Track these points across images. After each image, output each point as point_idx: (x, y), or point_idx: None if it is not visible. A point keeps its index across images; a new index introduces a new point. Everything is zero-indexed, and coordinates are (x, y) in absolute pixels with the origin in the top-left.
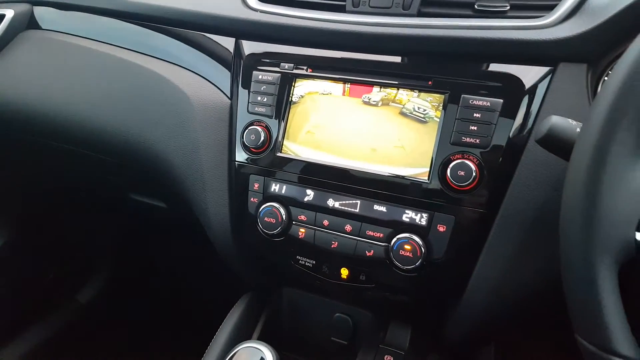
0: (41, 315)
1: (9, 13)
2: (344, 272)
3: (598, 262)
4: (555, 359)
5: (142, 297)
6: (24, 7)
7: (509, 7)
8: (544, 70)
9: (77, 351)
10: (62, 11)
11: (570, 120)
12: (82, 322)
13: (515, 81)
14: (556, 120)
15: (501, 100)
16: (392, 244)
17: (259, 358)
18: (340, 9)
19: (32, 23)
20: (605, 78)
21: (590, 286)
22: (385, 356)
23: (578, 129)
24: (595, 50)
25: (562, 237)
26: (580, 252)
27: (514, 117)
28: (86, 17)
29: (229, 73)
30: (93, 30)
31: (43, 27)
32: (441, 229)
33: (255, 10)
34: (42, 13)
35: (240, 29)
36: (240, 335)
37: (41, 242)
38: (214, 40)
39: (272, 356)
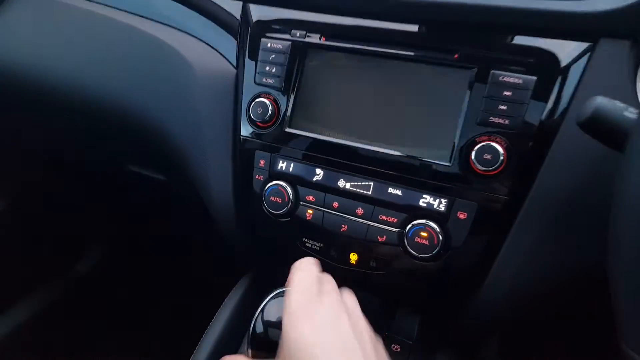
0: (34, 288)
1: None
2: (353, 257)
3: None
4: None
5: (139, 274)
6: None
7: None
8: (582, 46)
9: (69, 327)
10: None
11: (617, 102)
12: (75, 297)
13: (551, 57)
14: (602, 102)
15: (534, 78)
16: (406, 230)
17: None
18: None
19: None
20: None
21: None
22: (393, 345)
23: (627, 113)
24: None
25: (615, 238)
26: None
27: (547, 97)
28: None
29: (235, 40)
30: None
31: None
32: (462, 216)
33: None
34: None
35: None
36: (244, 312)
37: (35, 215)
38: (219, 5)
39: None
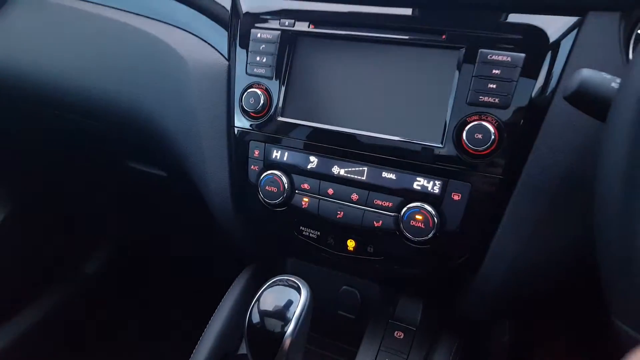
0: (43, 289)
1: None
2: (351, 244)
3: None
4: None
5: (144, 272)
6: None
7: None
8: (571, 20)
9: (77, 327)
10: None
11: (604, 73)
12: (83, 297)
13: (539, 33)
14: (588, 74)
15: (523, 55)
16: (402, 213)
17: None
18: None
19: None
20: (639, 30)
21: (632, 265)
22: (396, 332)
23: (614, 84)
24: None
25: (599, 207)
26: (622, 225)
27: (537, 74)
28: None
29: (226, 32)
30: None
31: None
32: (456, 197)
33: None
34: None
35: None
36: (244, 306)
37: (41, 215)
38: None
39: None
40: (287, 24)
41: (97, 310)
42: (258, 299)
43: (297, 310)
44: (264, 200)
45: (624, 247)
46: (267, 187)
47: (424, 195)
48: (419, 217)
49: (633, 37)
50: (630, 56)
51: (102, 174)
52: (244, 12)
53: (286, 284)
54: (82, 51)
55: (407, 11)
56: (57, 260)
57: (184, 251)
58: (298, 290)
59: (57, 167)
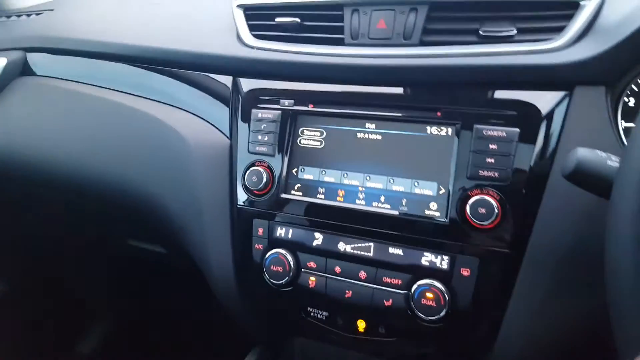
0: None
1: (2, 62)
2: (361, 325)
3: None
4: None
5: (142, 350)
6: (17, 54)
7: (515, 32)
8: (559, 95)
9: None
10: (56, 56)
11: (598, 151)
12: None
13: (531, 108)
14: (584, 154)
15: (518, 130)
16: (412, 291)
17: None
18: (339, 42)
19: (26, 70)
20: (625, 99)
21: None
22: None
23: (609, 162)
24: (613, 71)
25: (611, 289)
26: (634, 300)
27: (533, 147)
28: (80, 61)
29: (228, 112)
30: (87, 74)
31: (37, 74)
32: (465, 272)
33: (252, 47)
34: (35, 59)
35: (237, 67)
36: None
37: (39, 292)
38: (211, 79)
39: None
40: (287, 103)
41: None
42: None
43: None
44: (270, 281)
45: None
46: (272, 267)
47: (433, 271)
48: (429, 294)
49: (620, 108)
50: (620, 127)
51: (100, 252)
52: (245, 92)
53: None
54: (80, 134)
55: (403, 91)
56: (50, 339)
57: (185, 330)
58: None
59: (54, 248)
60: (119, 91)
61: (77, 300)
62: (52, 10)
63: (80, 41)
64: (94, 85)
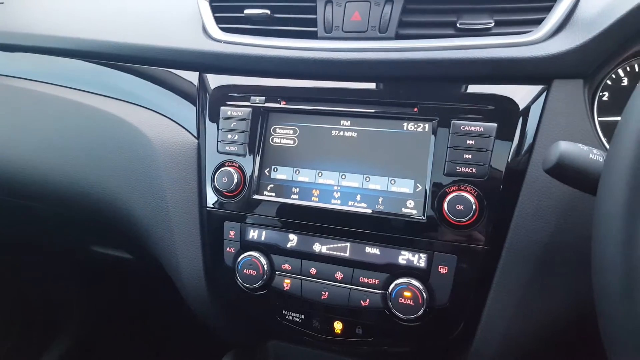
0: None
1: None
2: (338, 326)
3: None
4: None
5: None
6: None
7: (493, 24)
8: (537, 88)
9: None
10: (7, 53)
11: (580, 145)
12: None
13: (508, 102)
14: (566, 147)
15: (495, 124)
16: (389, 290)
17: None
18: (312, 35)
19: None
20: (601, 93)
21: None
22: None
23: (591, 155)
24: (590, 64)
25: (598, 284)
26: (622, 303)
27: (510, 142)
28: (35, 58)
29: (194, 110)
30: (42, 72)
31: None
32: (443, 270)
33: (219, 41)
34: None
35: (203, 62)
36: None
37: (2, 302)
38: (176, 75)
39: None
40: (257, 100)
41: None
42: None
43: None
44: (243, 285)
45: (627, 328)
46: (245, 271)
47: (410, 270)
48: (407, 293)
49: (596, 101)
50: (596, 120)
51: (62, 259)
52: (212, 88)
53: None
54: (36, 135)
55: (379, 86)
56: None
57: (156, 335)
58: None
59: (12, 254)
60: (78, 89)
61: (40, 310)
62: (2, 3)
63: (33, 36)
64: (50, 84)
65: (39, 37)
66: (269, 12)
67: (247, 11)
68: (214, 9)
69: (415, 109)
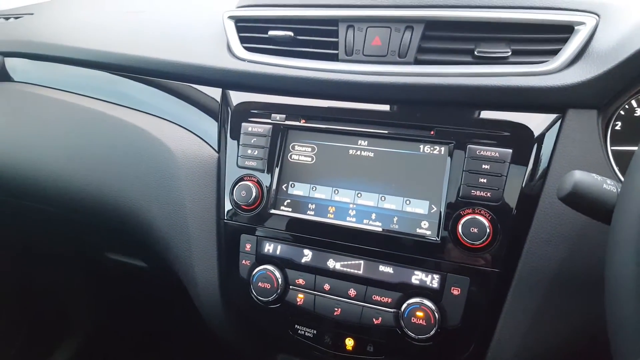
0: None
1: None
2: (349, 343)
3: None
4: None
5: None
6: None
7: (510, 53)
8: (552, 117)
9: None
10: (36, 62)
11: (594, 175)
12: None
13: (524, 129)
14: (580, 177)
15: (510, 150)
16: (402, 310)
17: None
18: (333, 58)
19: (3, 75)
20: (615, 123)
21: None
22: None
23: (605, 185)
24: (604, 95)
25: (611, 314)
26: (635, 333)
27: (525, 168)
28: (62, 68)
29: (216, 125)
30: (69, 81)
31: (15, 79)
32: (455, 292)
33: (243, 59)
34: (14, 64)
35: (227, 80)
36: None
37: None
38: (199, 91)
39: None
40: (278, 118)
41: None
42: None
43: None
44: (257, 297)
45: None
46: (259, 284)
47: (423, 290)
48: (419, 313)
49: (609, 131)
50: (609, 150)
51: (77, 265)
52: (234, 105)
53: None
54: (61, 143)
55: (397, 108)
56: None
57: (167, 345)
58: None
59: (29, 259)
60: (102, 100)
61: (52, 313)
62: (32, 14)
63: (61, 47)
64: (75, 94)
65: (67, 49)
66: (292, 34)
67: (271, 32)
68: (239, 29)
69: (432, 132)
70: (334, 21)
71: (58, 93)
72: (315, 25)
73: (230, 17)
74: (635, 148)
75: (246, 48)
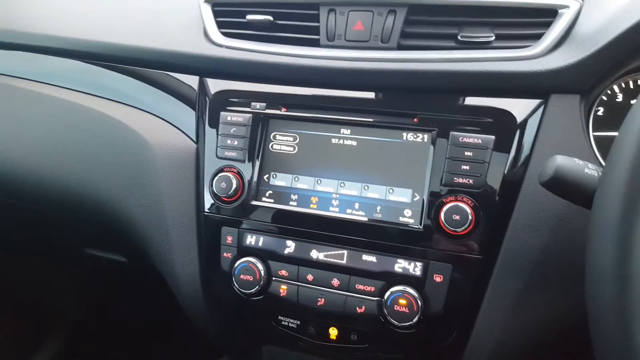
0: None
1: None
2: (333, 332)
3: (637, 331)
4: None
5: None
6: None
7: (494, 38)
8: (535, 102)
9: None
10: (4, 51)
11: (576, 160)
12: None
13: (506, 115)
14: (562, 161)
15: (493, 137)
16: (385, 298)
17: None
18: (314, 43)
19: None
20: (596, 109)
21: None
22: None
23: (587, 170)
24: (587, 80)
25: (591, 298)
26: (615, 318)
27: (507, 154)
28: (32, 57)
29: (194, 114)
30: (40, 71)
31: None
32: (438, 279)
33: (220, 45)
34: None
35: (204, 67)
36: None
37: None
38: (176, 79)
39: None
40: (258, 106)
41: None
42: None
43: None
44: (239, 290)
45: (619, 342)
46: (241, 276)
47: (406, 278)
48: (402, 301)
49: (592, 116)
50: (591, 135)
51: (55, 261)
52: (212, 93)
53: None
54: (33, 136)
55: (379, 95)
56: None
57: (150, 339)
58: None
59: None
60: (75, 90)
61: (33, 312)
62: None
63: (30, 35)
64: (47, 84)
65: (37, 36)
66: (271, 19)
67: (249, 17)
68: (216, 14)
69: (415, 120)
70: (315, 5)
71: (28, 83)
72: (295, 10)
73: (207, 1)
74: (616, 133)
75: (224, 34)
